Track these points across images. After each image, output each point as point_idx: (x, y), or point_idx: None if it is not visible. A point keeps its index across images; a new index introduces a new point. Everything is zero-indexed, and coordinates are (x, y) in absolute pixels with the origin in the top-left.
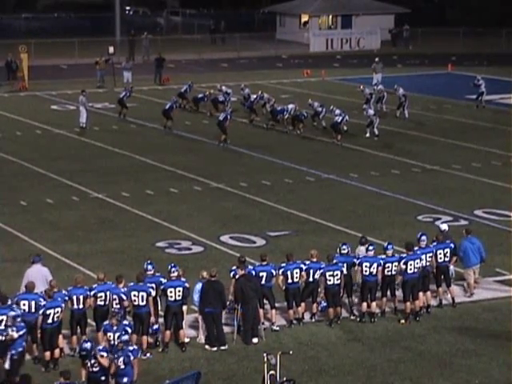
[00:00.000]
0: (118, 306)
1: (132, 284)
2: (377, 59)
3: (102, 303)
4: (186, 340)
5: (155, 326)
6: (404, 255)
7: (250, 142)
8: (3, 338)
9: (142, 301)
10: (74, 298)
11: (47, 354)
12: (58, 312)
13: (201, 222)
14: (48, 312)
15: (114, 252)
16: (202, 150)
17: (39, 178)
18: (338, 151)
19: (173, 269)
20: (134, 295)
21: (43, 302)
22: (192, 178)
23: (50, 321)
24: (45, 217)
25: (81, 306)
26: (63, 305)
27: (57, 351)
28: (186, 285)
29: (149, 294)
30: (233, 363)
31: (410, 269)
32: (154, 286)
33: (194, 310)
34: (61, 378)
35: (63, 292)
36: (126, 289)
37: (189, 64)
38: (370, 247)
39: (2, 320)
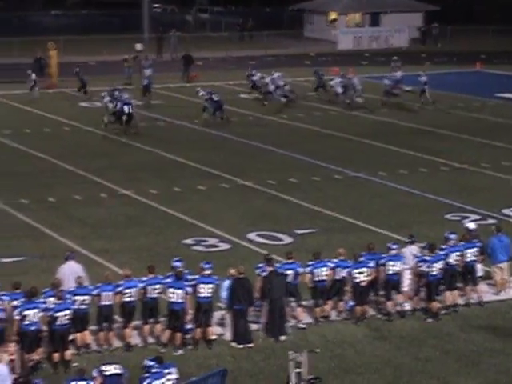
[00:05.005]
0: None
1: (170, 280)
2: (395, 58)
3: (130, 299)
4: (213, 337)
5: (189, 326)
6: (428, 258)
7: (277, 138)
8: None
9: (179, 298)
10: (103, 294)
11: (56, 355)
12: (66, 315)
13: (228, 220)
14: (56, 315)
15: (141, 249)
16: (230, 147)
17: (67, 174)
18: (366, 149)
19: (206, 265)
20: (171, 292)
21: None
22: (219, 175)
23: (59, 322)
24: (73, 213)
25: (109, 303)
26: (72, 307)
27: (68, 353)
28: (217, 282)
29: (186, 292)
30: (259, 361)
31: (433, 271)
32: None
33: (220, 307)
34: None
35: (90, 287)
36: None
37: (216, 61)
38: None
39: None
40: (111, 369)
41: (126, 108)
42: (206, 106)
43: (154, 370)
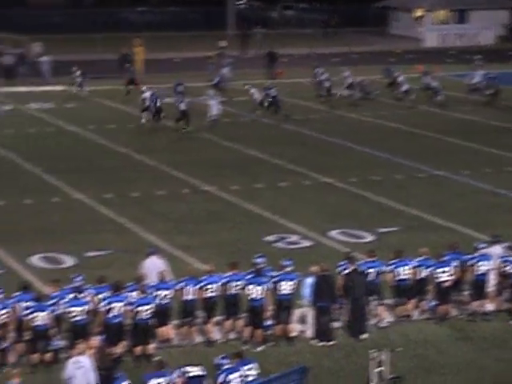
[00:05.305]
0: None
1: (250, 277)
2: (478, 56)
3: (211, 295)
4: (294, 334)
5: (269, 322)
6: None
7: (358, 136)
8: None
9: (259, 294)
10: (186, 289)
11: (138, 348)
12: (149, 309)
13: (309, 217)
14: (139, 309)
15: (223, 244)
16: (311, 144)
17: (150, 169)
18: (448, 147)
19: (287, 262)
20: (251, 288)
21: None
22: (301, 172)
23: (141, 316)
24: (155, 208)
25: (192, 298)
26: (156, 301)
27: (150, 347)
28: (298, 279)
29: (266, 289)
30: (340, 358)
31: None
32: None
33: (300, 304)
34: None
35: (173, 282)
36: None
37: (301, 58)
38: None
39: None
40: (194, 370)
41: (181, 105)
42: (262, 101)
43: (225, 367)
